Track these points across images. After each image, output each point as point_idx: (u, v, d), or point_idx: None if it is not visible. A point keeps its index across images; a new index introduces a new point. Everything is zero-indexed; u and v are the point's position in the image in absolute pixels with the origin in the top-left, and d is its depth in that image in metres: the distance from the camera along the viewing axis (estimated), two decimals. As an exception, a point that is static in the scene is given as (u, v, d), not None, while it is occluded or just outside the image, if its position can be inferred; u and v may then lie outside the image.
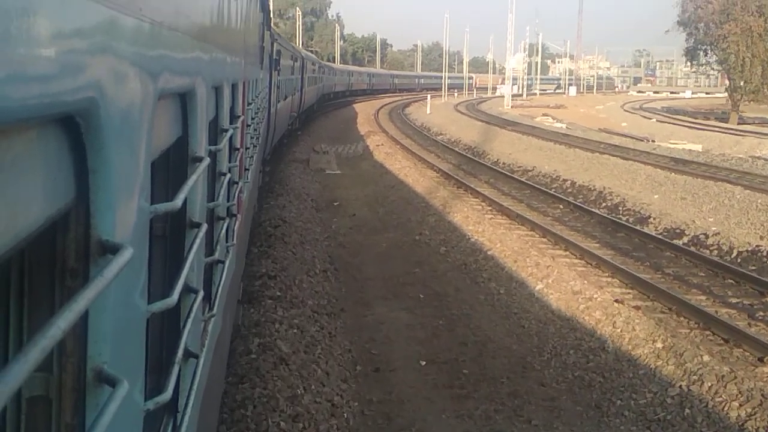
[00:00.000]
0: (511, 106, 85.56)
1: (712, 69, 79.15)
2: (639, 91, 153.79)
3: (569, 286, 14.55)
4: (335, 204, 25.06)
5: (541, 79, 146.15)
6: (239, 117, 6.50)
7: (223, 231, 4.91)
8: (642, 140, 43.68)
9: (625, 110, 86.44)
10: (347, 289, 15.42)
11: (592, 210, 22.10)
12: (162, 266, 3.23)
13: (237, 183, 6.54)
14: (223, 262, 5.07)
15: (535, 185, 26.53)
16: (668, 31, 72.31)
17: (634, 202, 22.92)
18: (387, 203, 24.70)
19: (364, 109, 72.45)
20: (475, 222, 20.39)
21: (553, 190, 25.96)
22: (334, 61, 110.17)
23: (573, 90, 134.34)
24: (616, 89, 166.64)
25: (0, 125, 1.12)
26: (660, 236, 18.70)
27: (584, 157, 32.25)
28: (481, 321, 13.54)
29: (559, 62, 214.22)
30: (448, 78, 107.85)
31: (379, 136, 44.63)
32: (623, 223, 20.41)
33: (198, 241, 3.18)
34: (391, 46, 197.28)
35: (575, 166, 30.39)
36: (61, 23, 1.33)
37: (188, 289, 3.21)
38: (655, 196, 23.75)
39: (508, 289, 15.51)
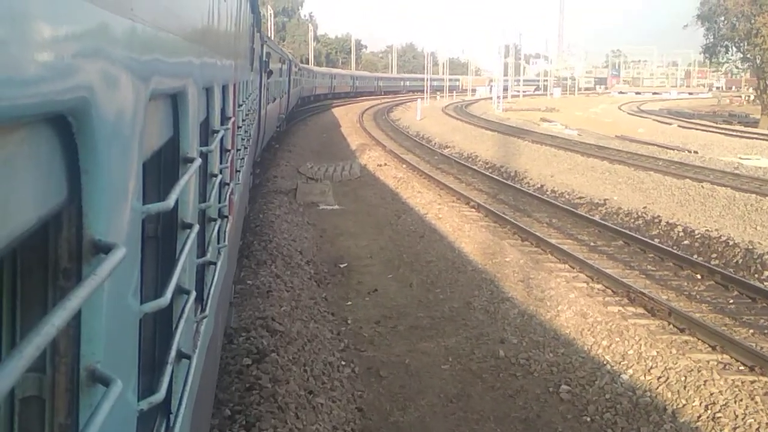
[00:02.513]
0: (503, 110, 77.37)
1: (736, 67, 71.30)
2: (620, 92, 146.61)
3: None
4: (342, 266, 16.48)
5: (525, 81, 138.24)
6: (230, 118, 6.43)
7: (215, 232, 4.87)
8: (687, 151, 35.62)
9: (624, 112, 78.75)
10: None
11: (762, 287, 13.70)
12: (154, 267, 3.22)
13: (228, 184, 6.40)
14: (215, 264, 5.00)
15: (627, 231, 18.08)
16: (686, 26, 64.34)
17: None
18: (421, 266, 16.16)
19: (345, 115, 63.80)
20: (590, 314, 11.95)
21: (658, 240, 17.56)
22: (307, 63, 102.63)
23: (558, 92, 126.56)
24: (605, 90, 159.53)
25: None
26: None
27: (649, 180, 23.94)
28: None
29: (534, 63, 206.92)
30: (431, 80, 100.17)
31: (374, 150, 36.01)
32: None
33: (190, 242, 3.14)
34: (366, 47, 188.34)
35: (655, 194, 22.07)
36: (53, 23, 1.31)
37: (180, 290, 3.16)
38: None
39: None
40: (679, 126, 54.34)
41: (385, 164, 29.64)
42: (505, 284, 13.99)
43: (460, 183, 26.32)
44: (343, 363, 10.98)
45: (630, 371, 10.03)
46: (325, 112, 67.77)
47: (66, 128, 1.48)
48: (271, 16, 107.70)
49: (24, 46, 1.16)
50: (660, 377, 9.71)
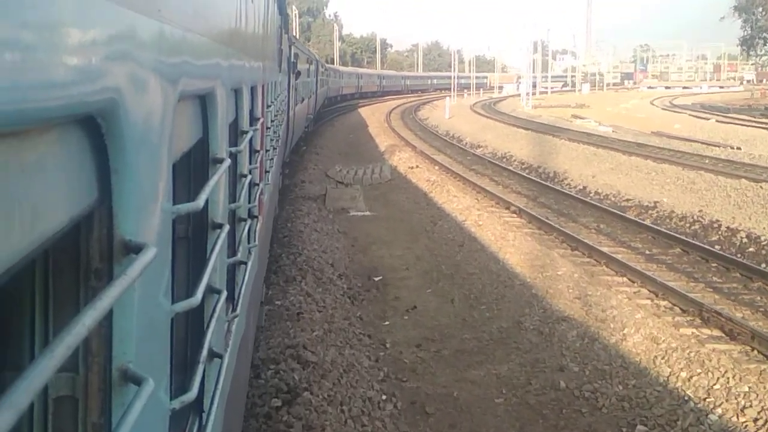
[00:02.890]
0: (533, 107, 75.64)
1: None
2: (649, 87, 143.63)
3: None
4: (376, 280, 15.20)
5: (553, 77, 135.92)
6: (259, 119, 6.35)
7: (245, 232, 4.84)
8: (729, 148, 33.85)
9: (656, 107, 76.63)
10: None
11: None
12: (185, 267, 3.25)
13: (258, 185, 6.37)
14: (245, 263, 4.98)
15: (684, 237, 16.58)
16: (723, 18, 62.15)
17: None
18: (462, 279, 14.83)
19: (371, 115, 62.52)
20: (661, 338, 10.55)
21: (719, 247, 16.03)
22: (332, 63, 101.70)
23: (586, 87, 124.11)
24: (634, 85, 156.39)
25: (23, 127, 1.11)
26: None
27: (700, 180, 22.32)
28: None
29: (560, 59, 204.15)
30: (458, 78, 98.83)
31: (404, 151, 34.66)
32: None
33: (220, 241, 3.13)
34: (391, 46, 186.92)
35: (708, 196, 20.48)
36: (81, 25, 1.31)
37: (211, 290, 3.14)
38: None
39: None
40: (717, 121, 52.32)
41: (417, 166, 28.26)
42: (559, 301, 12.60)
43: (497, 185, 24.88)
44: (384, 397, 9.69)
45: (719, 410, 8.61)
46: (351, 112, 66.55)
47: (96, 129, 1.48)
48: (296, 16, 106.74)
49: (53, 48, 1.16)
50: (757, 419, 8.29)
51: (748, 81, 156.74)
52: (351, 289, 14.37)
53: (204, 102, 3.05)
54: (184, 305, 2.36)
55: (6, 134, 1.08)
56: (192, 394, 2.38)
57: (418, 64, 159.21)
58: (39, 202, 1.21)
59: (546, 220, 18.26)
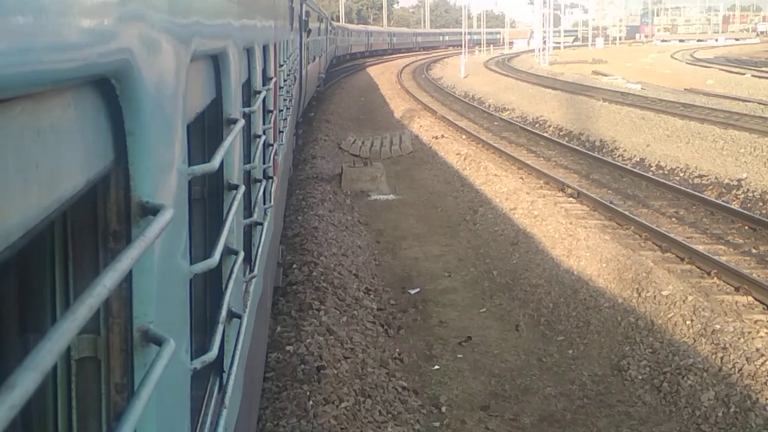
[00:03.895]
0: (549, 63, 71.44)
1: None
2: (663, 41, 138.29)
3: None
4: (413, 293, 11.80)
5: (564, 32, 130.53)
6: (272, 79, 6.26)
7: (260, 193, 4.81)
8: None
9: (679, 61, 72.35)
10: None
11: None
12: (202, 228, 3.27)
13: (272, 145, 6.28)
14: (261, 224, 4.95)
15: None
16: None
17: None
18: (524, 293, 11.41)
19: (381, 74, 58.58)
20: None
21: None
22: (338, 20, 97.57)
23: (600, 42, 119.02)
24: (647, 39, 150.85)
25: (38, 89, 1.10)
26: None
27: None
28: None
29: (570, 13, 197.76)
30: (468, 34, 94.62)
31: (423, 116, 30.94)
32: None
33: (236, 203, 3.11)
34: (398, 1, 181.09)
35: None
36: None
37: (229, 251, 3.13)
38: None
39: None
40: (753, 76, 48.27)
41: (442, 136, 24.53)
42: (675, 337, 9.14)
43: (538, 158, 21.25)
44: None
45: None
46: (359, 72, 62.57)
47: (110, 91, 1.46)
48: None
49: (66, 10, 1.14)
50: None
51: (762, 32, 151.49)
52: (383, 310, 10.97)
53: (216, 62, 3.00)
54: (202, 266, 2.35)
55: (22, 97, 1.07)
56: (212, 354, 2.38)
57: (424, 21, 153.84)
58: (56, 165, 1.19)
59: (615, 207, 14.72)
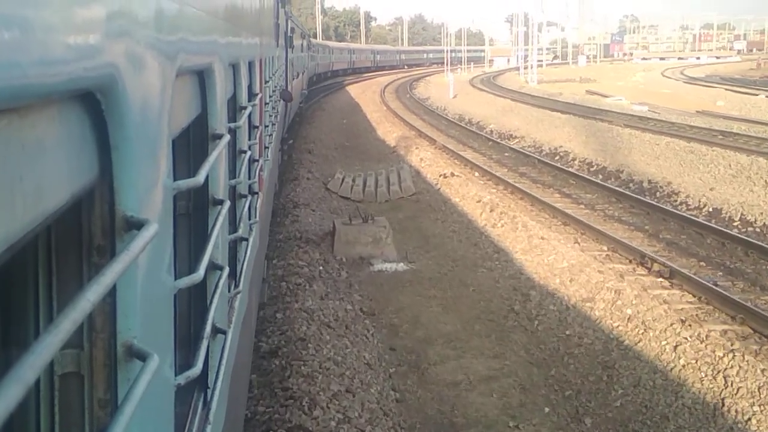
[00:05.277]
0: (538, 82, 67.40)
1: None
2: (643, 58, 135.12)
3: None
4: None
5: (545, 50, 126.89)
6: (257, 94, 6.13)
7: (246, 208, 4.72)
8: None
9: (673, 80, 68.75)
10: None
11: None
12: (187, 243, 3.21)
13: (257, 161, 6.16)
14: (246, 240, 4.82)
15: None
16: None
17: None
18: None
19: (362, 93, 54.20)
20: None
21: None
22: (315, 37, 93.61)
23: (582, 60, 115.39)
24: (625, 56, 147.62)
25: (23, 103, 1.09)
26: None
27: None
28: None
29: (547, 31, 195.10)
30: (452, 52, 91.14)
31: (420, 145, 26.23)
32: None
33: (221, 218, 3.06)
34: (375, 19, 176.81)
35: None
36: (81, 0, 1.28)
37: (214, 266, 3.07)
38: None
39: None
40: (767, 96, 44.27)
41: (452, 174, 19.77)
42: None
43: (578, 205, 16.62)
44: None
45: None
46: (339, 91, 57.95)
47: (95, 106, 1.44)
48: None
49: (52, 25, 1.13)
50: None
51: (739, 51, 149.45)
52: None
53: (202, 77, 2.97)
54: (186, 281, 2.28)
55: (6, 111, 1.06)
56: (197, 369, 2.31)
57: (403, 38, 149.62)
58: (40, 179, 1.18)
59: (734, 299, 10.07)
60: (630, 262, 12.04)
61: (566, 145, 24.75)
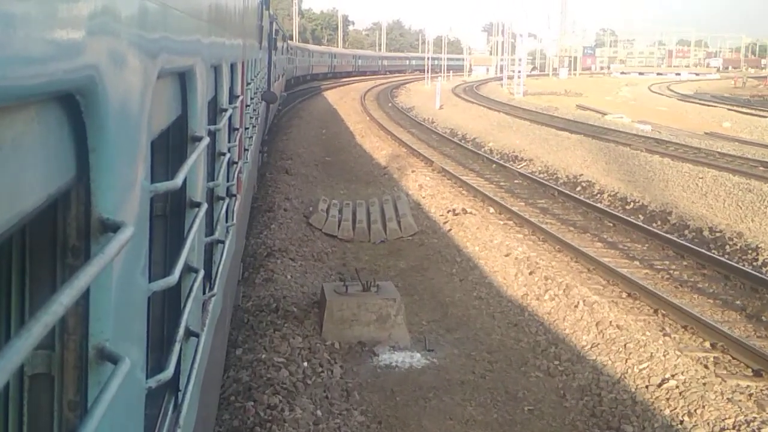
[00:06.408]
0: (523, 94, 64.10)
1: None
2: (622, 72, 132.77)
3: None
4: None
5: (526, 61, 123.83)
6: (238, 97, 6.06)
7: (223, 211, 4.65)
8: None
9: (664, 96, 66.02)
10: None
11: None
12: (163, 245, 3.13)
13: (236, 163, 6.06)
14: (223, 242, 4.76)
15: None
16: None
17: None
18: None
19: (340, 100, 50.53)
20: None
21: None
22: (291, 39, 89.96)
23: (564, 72, 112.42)
24: (603, 70, 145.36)
25: (1, 103, 1.06)
26: None
27: None
28: None
29: (521, 42, 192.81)
30: (433, 59, 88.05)
31: (415, 167, 22.40)
32: None
33: (198, 220, 3.02)
34: (353, 23, 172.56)
35: None
36: (60, 0, 1.24)
37: (189, 269, 3.03)
38: None
39: None
40: (775, 118, 41.25)
41: (464, 211, 15.89)
42: None
43: (631, 261, 12.89)
44: None
45: None
46: (316, 96, 53.97)
47: (74, 107, 1.41)
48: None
49: (31, 25, 1.10)
50: None
51: (716, 68, 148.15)
52: None
53: (183, 79, 2.91)
54: (161, 284, 2.25)
55: None
56: (168, 373, 2.28)
57: (381, 44, 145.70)
58: (16, 180, 1.16)
59: None
60: (754, 374, 8.27)
61: (586, 173, 21.08)
